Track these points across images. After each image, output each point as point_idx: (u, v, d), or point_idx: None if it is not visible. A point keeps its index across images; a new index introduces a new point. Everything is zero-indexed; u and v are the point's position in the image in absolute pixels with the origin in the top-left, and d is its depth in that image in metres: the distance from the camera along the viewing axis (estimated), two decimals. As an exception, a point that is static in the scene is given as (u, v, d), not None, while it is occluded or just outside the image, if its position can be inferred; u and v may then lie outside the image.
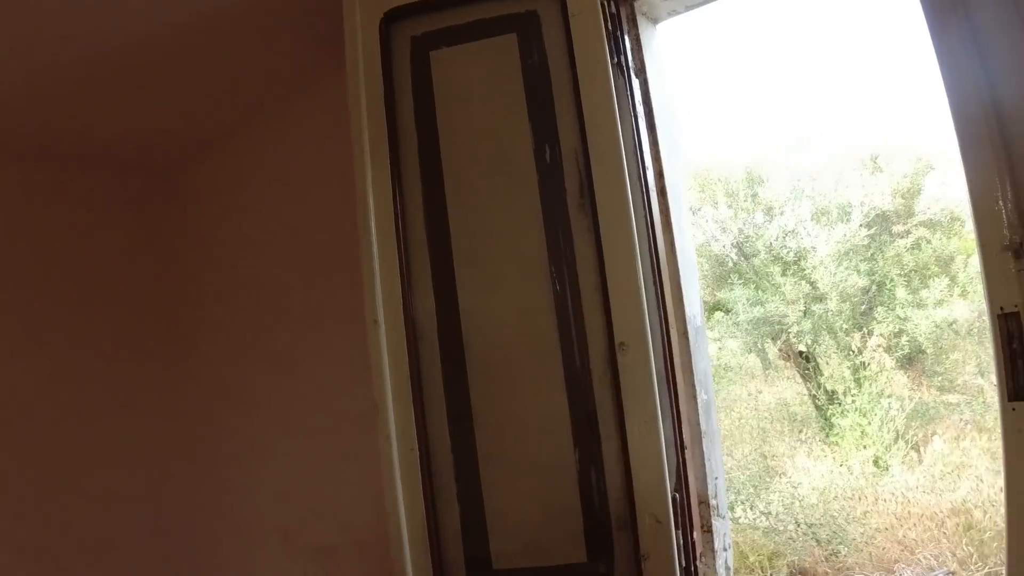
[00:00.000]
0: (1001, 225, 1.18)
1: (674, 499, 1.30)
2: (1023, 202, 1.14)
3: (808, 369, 6.84)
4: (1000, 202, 1.18)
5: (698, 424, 1.50)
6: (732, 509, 4.83)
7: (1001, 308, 1.19)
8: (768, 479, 5.36)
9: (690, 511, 1.37)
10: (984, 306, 1.29)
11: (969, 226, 7.28)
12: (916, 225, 6.84)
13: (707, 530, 1.45)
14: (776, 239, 6.60)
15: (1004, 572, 1.21)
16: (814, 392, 6.69)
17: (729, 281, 6.73)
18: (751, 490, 5.22)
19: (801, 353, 6.87)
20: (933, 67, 1.23)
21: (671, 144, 1.63)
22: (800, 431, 6.52)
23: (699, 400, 1.50)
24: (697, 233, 7.04)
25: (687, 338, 1.49)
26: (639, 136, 1.50)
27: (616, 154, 1.42)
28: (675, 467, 1.41)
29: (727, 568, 1.46)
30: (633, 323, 1.36)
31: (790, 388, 7.20)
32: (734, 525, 4.69)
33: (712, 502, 1.48)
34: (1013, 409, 1.19)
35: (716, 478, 1.58)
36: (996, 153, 1.19)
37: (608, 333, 1.37)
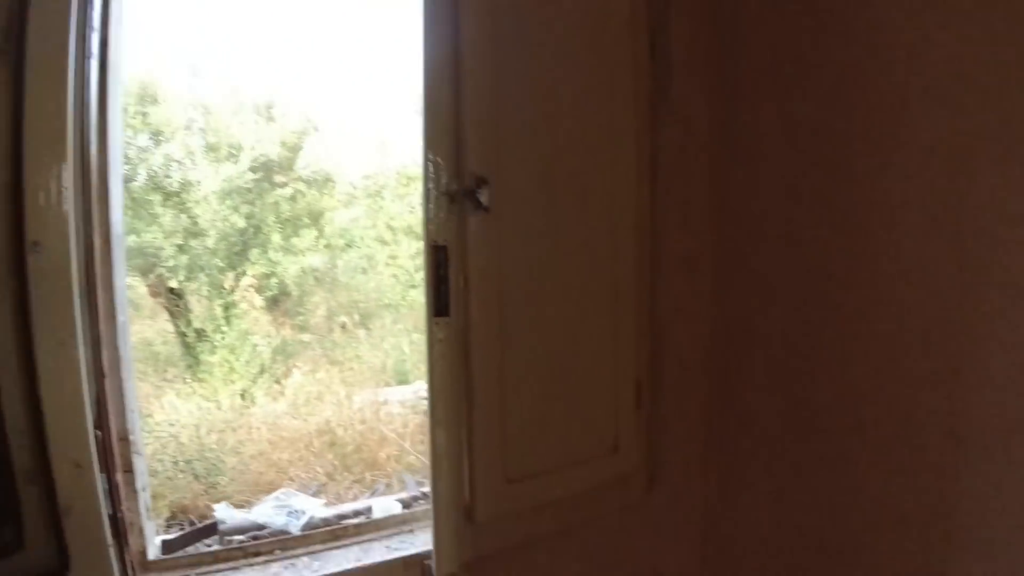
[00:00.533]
0: (442, 175, 1.34)
1: (96, 438, 1.07)
2: (463, 159, 1.33)
3: (178, 306, 6.65)
4: (445, 156, 1.36)
5: (116, 348, 1.27)
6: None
7: (435, 242, 1.37)
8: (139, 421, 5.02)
9: (112, 450, 1.15)
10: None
11: (340, 188, 8.27)
12: (295, 179, 7.35)
13: (128, 470, 1.25)
14: (161, 166, 6.16)
15: (429, 455, 1.42)
16: (184, 330, 6.55)
17: (105, 203, 5.97)
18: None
19: (172, 290, 6.64)
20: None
21: (120, 11, 1.33)
22: (166, 371, 6.32)
23: (118, 321, 1.27)
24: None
25: (110, 246, 1.25)
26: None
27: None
28: (94, 400, 1.17)
29: (147, 508, 1.29)
30: (53, 217, 1.06)
31: (156, 326, 6.89)
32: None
33: (131, 438, 1.28)
34: (436, 324, 1.39)
35: (133, 411, 1.38)
36: (451, 115, 1.37)
37: (17, 226, 1.04)
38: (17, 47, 1.03)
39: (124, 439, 1.27)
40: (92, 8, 1.17)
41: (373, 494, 3.43)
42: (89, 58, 1.16)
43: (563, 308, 1.59)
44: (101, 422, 1.12)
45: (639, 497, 1.84)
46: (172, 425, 4.50)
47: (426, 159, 1.35)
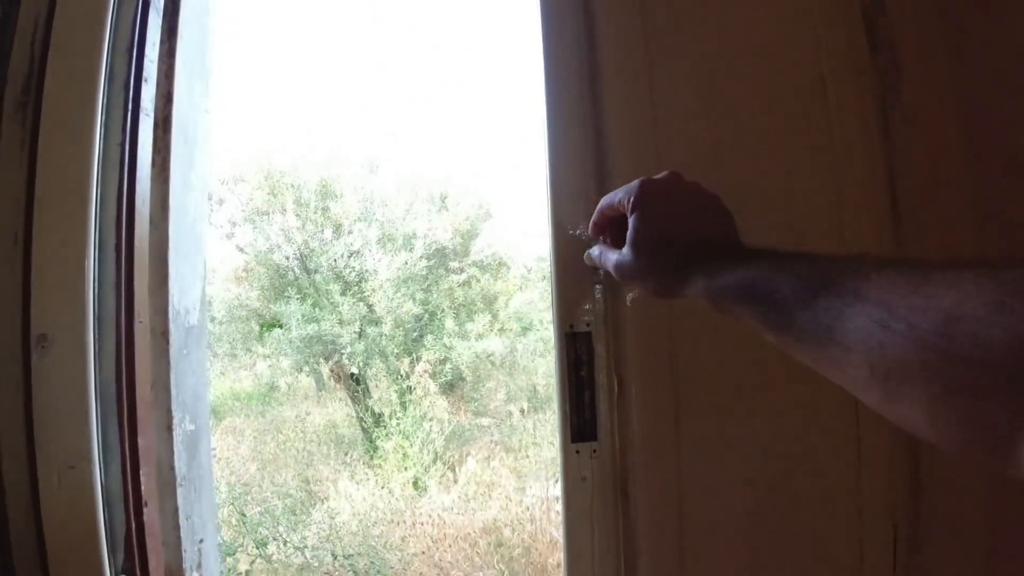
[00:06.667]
0: (579, 222, 0.99)
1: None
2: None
3: (358, 391, 6.79)
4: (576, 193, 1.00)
5: (172, 468, 1.01)
6: (265, 546, 4.34)
7: (571, 326, 0.99)
8: (310, 506, 5.04)
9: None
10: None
11: (514, 272, 8.26)
12: (470, 264, 7.40)
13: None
14: (341, 257, 6.43)
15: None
16: (362, 415, 6.65)
17: (286, 295, 6.30)
18: (291, 518, 4.83)
19: (352, 375, 6.81)
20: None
21: (199, 65, 1.15)
22: (347, 454, 6.40)
23: (178, 432, 1.02)
24: (260, 239, 6.47)
25: (167, 341, 1.01)
26: (143, 24, 1.00)
27: (94, 38, 0.90)
28: (124, 533, 0.91)
29: None
30: (66, 305, 0.84)
31: (340, 410, 7.09)
32: (266, 565, 4.21)
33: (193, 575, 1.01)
34: (577, 452, 0.99)
35: (201, 540, 1.11)
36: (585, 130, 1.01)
37: (23, 316, 0.82)
38: (35, 98, 0.82)
39: (174, 578, 1.00)
40: (145, 54, 0.96)
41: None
42: (139, 115, 0.93)
43: (775, 415, 1.10)
44: (133, 559, 0.85)
45: None
46: (333, 517, 4.39)
47: (552, 190, 1.00)
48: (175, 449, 1.03)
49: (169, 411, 1.02)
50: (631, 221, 0.69)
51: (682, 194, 0.70)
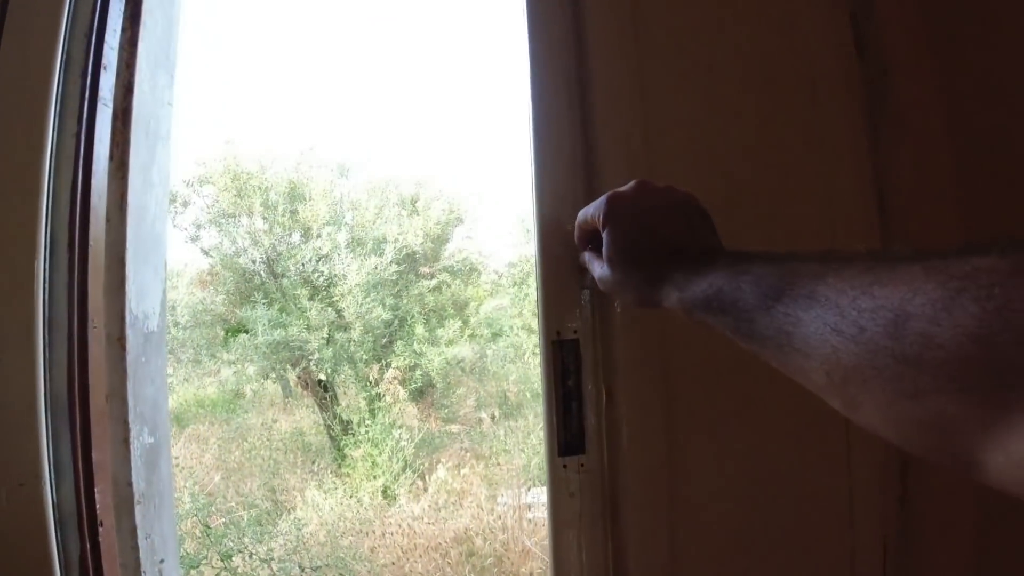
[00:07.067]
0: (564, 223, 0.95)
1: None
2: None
3: (326, 398, 6.68)
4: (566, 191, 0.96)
5: (129, 484, 0.94)
6: (230, 558, 4.22)
7: (557, 333, 0.95)
8: (276, 517, 4.92)
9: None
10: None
11: (485, 277, 8.22)
12: (440, 269, 7.34)
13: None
14: (309, 261, 6.31)
15: None
16: (330, 422, 6.54)
17: (253, 299, 6.17)
18: (257, 529, 4.70)
19: (320, 382, 6.70)
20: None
21: (163, 56, 1.09)
22: (314, 462, 6.29)
23: (135, 446, 0.95)
24: (226, 242, 6.33)
25: (124, 348, 0.94)
26: (103, 8, 0.93)
27: (51, 18, 0.84)
28: (79, 555, 0.84)
29: None
30: (14, 310, 0.77)
31: (307, 418, 6.96)
32: (232, 579, 4.09)
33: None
34: (564, 467, 0.94)
35: (162, 561, 1.05)
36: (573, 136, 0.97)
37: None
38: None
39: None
40: (106, 40, 0.90)
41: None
42: (97, 104, 0.87)
43: (768, 425, 1.05)
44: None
45: None
46: (300, 528, 4.28)
47: (538, 194, 0.96)
48: (132, 464, 0.96)
49: (126, 423, 0.95)
50: (603, 237, 0.69)
51: (651, 203, 0.69)
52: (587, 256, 0.78)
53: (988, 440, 0.31)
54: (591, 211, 0.72)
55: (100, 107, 0.92)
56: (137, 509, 0.95)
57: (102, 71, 0.91)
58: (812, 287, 0.44)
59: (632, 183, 0.71)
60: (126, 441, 0.93)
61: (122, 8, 0.97)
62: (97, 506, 0.85)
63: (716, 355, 1.02)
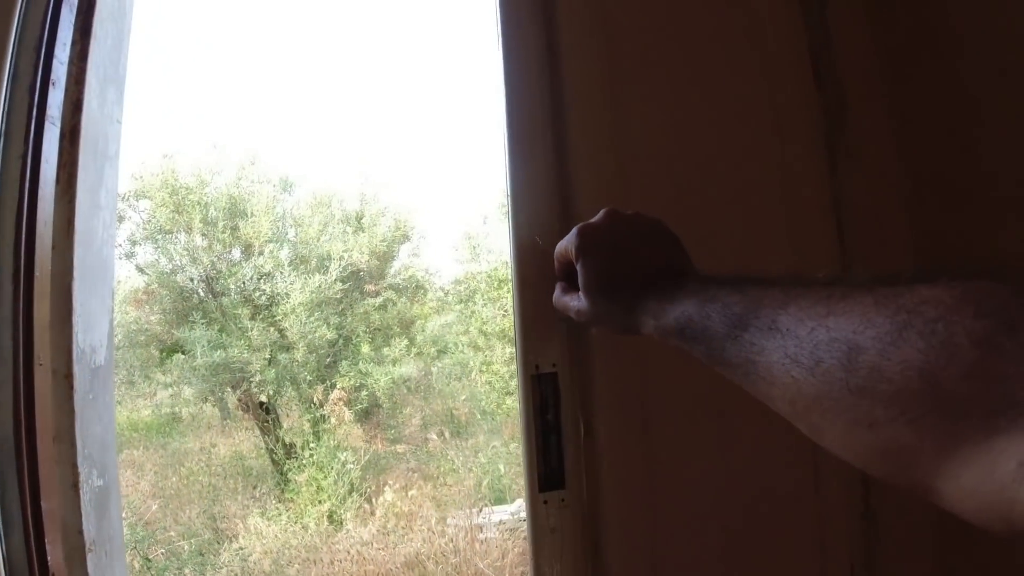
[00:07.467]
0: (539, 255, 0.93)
1: None
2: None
3: (268, 421, 6.48)
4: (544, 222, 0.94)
5: (80, 532, 0.87)
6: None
7: (536, 366, 0.92)
8: (218, 546, 4.71)
9: None
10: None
11: (431, 295, 8.13)
12: (386, 287, 7.23)
13: None
14: (250, 280, 6.12)
15: None
16: (272, 446, 6.33)
17: (191, 319, 5.93)
18: (199, 560, 4.49)
19: (262, 404, 6.49)
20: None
21: (112, 71, 1.03)
22: (255, 487, 6.07)
23: (85, 490, 0.88)
24: (163, 259, 6.08)
25: (72, 385, 0.87)
26: (54, 21, 0.87)
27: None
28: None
29: None
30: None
31: (248, 441, 6.73)
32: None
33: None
34: (545, 503, 0.91)
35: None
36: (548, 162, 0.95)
37: None
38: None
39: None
40: (55, 55, 0.84)
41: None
42: (45, 123, 0.81)
43: (743, 455, 1.06)
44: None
45: None
46: (245, 559, 4.11)
47: (515, 227, 0.93)
48: (83, 510, 0.89)
49: (75, 467, 0.88)
50: (578, 269, 0.69)
51: (621, 232, 0.70)
52: (559, 293, 0.79)
53: (940, 469, 0.32)
54: (565, 244, 0.72)
55: (48, 126, 0.86)
56: (89, 558, 0.88)
57: (51, 87, 0.85)
58: (774, 317, 0.44)
59: (601, 213, 0.72)
60: (75, 486, 0.86)
61: (73, 19, 0.91)
62: (49, 559, 0.78)
63: (693, 387, 1.02)
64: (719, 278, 0.57)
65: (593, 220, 0.71)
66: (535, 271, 0.93)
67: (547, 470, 0.91)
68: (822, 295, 0.42)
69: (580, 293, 0.70)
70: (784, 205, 1.16)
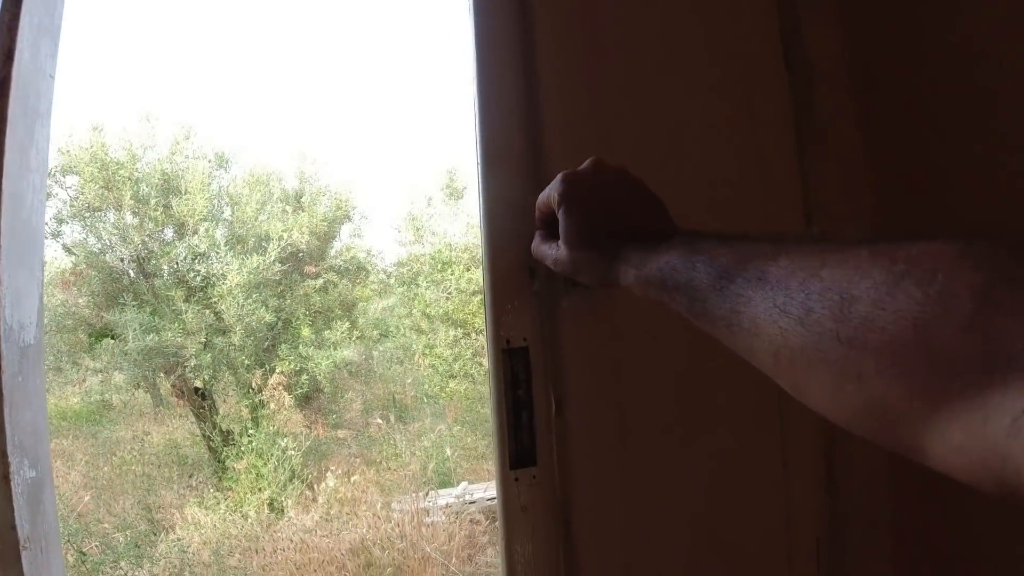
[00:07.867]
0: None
1: None
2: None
3: (204, 407, 6.27)
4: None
5: (13, 528, 0.79)
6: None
7: (507, 341, 0.89)
8: (154, 537, 4.54)
9: None
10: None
11: (373, 277, 7.99)
12: (327, 269, 7.06)
13: None
14: (184, 260, 5.88)
15: None
16: (209, 432, 6.13)
17: (121, 301, 5.66)
18: (135, 552, 4.31)
19: (197, 390, 6.27)
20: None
21: (48, 20, 0.93)
22: (191, 476, 5.88)
23: (16, 482, 0.80)
24: (92, 239, 5.77)
25: (-1, 368, 0.79)
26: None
27: None
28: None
29: None
30: None
31: (183, 428, 6.51)
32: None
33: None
34: (516, 480, 0.88)
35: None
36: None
37: None
38: None
39: None
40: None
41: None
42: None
43: (714, 431, 1.05)
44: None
45: None
46: (184, 550, 3.97)
47: (486, 201, 0.89)
48: (15, 504, 0.81)
49: (5, 456, 0.80)
50: (559, 217, 0.68)
51: (606, 182, 0.69)
52: (538, 242, 0.77)
53: (929, 424, 0.32)
54: (548, 192, 0.70)
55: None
56: (24, 556, 0.80)
57: (-25, 33, 0.76)
58: (764, 267, 0.44)
59: (588, 162, 0.70)
60: (6, 478, 0.78)
61: (1, -41, 0.82)
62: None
63: (666, 361, 1.01)
64: (705, 233, 0.56)
65: (579, 168, 0.69)
66: (506, 247, 0.90)
67: (518, 447, 0.88)
68: (816, 249, 0.41)
69: (560, 242, 0.69)
70: (754, 186, 1.16)
